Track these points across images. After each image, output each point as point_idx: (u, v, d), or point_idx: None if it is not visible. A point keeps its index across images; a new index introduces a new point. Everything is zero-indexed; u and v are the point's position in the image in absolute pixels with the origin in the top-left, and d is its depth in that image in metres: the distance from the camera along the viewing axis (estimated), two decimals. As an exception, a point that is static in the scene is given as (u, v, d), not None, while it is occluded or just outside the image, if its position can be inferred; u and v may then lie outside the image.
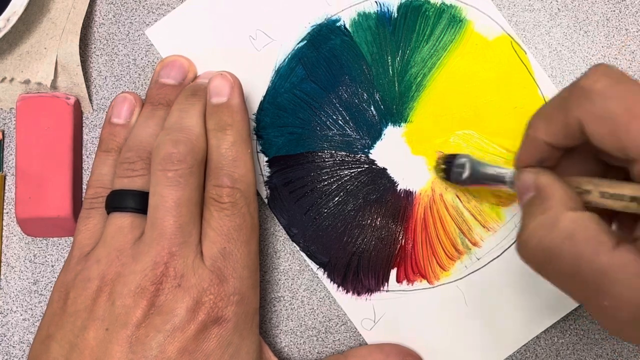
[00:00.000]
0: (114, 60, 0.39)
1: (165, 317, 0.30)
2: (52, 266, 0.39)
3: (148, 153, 0.34)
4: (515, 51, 0.39)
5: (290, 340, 0.38)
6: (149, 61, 0.39)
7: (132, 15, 0.39)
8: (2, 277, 0.39)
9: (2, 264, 0.39)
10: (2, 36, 0.36)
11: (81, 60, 0.38)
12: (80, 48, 0.38)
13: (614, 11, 0.39)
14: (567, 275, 0.27)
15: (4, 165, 0.39)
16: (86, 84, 0.39)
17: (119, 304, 0.30)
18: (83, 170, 0.39)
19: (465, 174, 0.35)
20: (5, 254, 0.39)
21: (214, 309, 0.31)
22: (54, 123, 0.37)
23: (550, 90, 0.38)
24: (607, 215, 0.30)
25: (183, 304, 0.31)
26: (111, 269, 0.31)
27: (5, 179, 0.39)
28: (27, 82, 0.38)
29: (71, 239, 0.38)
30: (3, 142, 0.39)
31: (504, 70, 0.38)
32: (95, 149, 0.38)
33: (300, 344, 0.38)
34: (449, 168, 0.35)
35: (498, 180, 0.33)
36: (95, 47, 0.39)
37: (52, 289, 0.33)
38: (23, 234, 0.38)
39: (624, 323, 0.26)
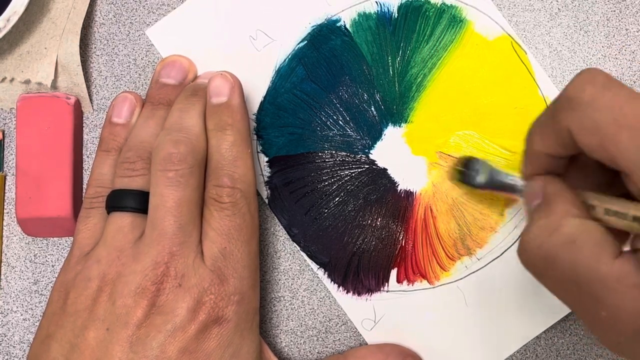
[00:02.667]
0: (114, 60, 0.39)
1: (166, 317, 0.30)
2: (53, 266, 0.39)
3: (148, 153, 0.34)
4: (516, 51, 0.39)
5: (291, 340, 0.38)
6: (149, 61, 0.39)
7: (132, 15, 0.39)
8: (2, 277, 0.38)
9: (2, 264, 0.39)
10: (2, 36, 0.36)
11: (81, 60, 0.38)
12: (80, 48, 0.38)
13: (614, 11, 0.39)
14: (565, 282, 0.26)
15: (4, 165, 0.39)
16: (86, 84, 0.39)
17: (120, 304, 0.30)
18: (83, 170, 0.39)
19: (481, 178, 0.34)
20: (5, 254, 0.39)
21: (214, 308, 0.31)
22: (54, 123, 0.37)
23: (550, 90, 0.38)
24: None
25: (184, 303, 0.31)
26: (111, 268, 0.31)
27: (5, 179, 0.39)
28: (27, 82, 0.38)
29: (71, 239, 0.38)
30: (3, 142, 0.39)
31: (504, 70, 0.38)
32: (96, 149, 0.38)
33: (301, 344, 0.38)
34: (465, 171, 0.35)
35: (513, 189, 0.33)
36: (95, 47, 0.39)
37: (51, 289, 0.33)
38: (23, 234, 0.38)
39: (621, 336, 0.25)
